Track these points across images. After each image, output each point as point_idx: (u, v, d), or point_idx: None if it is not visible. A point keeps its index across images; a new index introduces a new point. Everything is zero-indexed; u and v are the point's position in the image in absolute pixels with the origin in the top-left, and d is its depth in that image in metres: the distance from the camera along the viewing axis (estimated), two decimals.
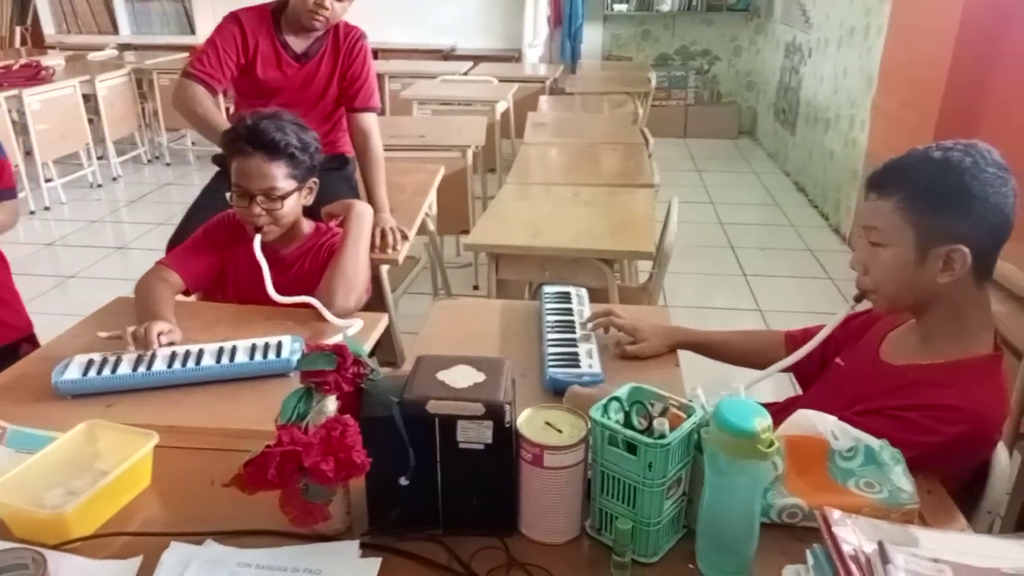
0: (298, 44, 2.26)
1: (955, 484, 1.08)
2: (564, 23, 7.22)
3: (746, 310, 3.67)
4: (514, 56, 7.00)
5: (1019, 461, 1.78)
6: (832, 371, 1.31)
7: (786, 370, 1.34)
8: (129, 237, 4.66)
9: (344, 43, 2.28)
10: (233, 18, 2.24)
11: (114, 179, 5.73)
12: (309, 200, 1.79)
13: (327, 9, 2.14)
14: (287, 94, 2.29)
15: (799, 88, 5.96)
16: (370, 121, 2.34)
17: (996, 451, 1.10)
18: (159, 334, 1.44)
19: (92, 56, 6.46)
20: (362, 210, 1.79)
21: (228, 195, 1.70)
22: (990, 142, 1.10)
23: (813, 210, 5.22)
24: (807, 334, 1.44)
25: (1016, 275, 1.78)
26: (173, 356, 1.40)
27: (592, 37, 7.43)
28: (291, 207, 1.71)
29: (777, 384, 1.44)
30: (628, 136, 3.71)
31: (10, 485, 0.95)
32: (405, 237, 2.29)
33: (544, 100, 4.90)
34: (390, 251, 2.22)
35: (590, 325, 1.56)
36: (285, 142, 1.65)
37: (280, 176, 1.66)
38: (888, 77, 4.18)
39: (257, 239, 1.67)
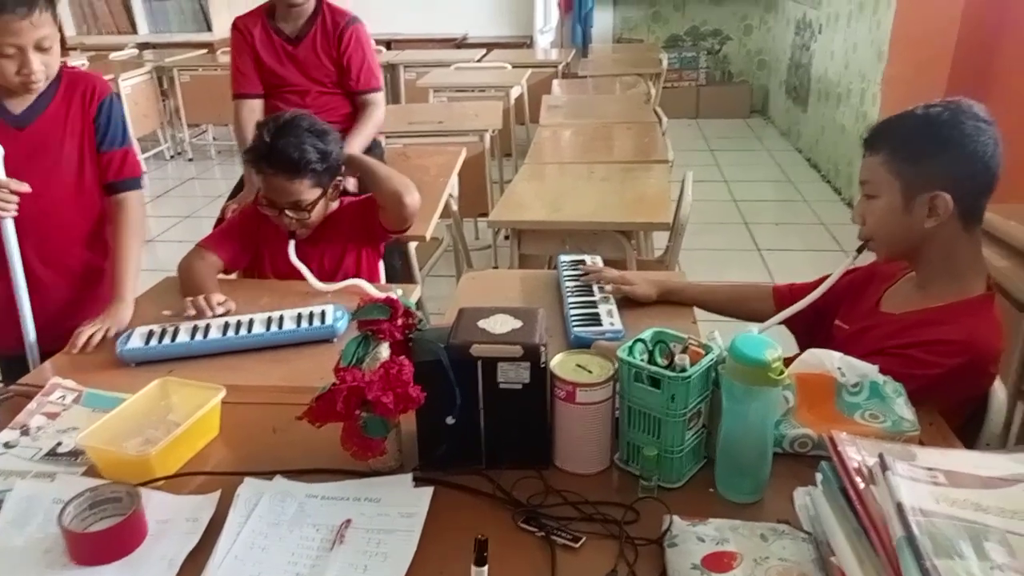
0: (288, 27, 2.44)
1: (956, 419, 1.17)
2: (575, 7, 7.27)
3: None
4: (526, 42, 7.06)
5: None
6: (834, 333, 1.38)
7: (785, 323, 1.41)
8: (156, 231, 4.79)
9: (334, 29, 2.43)
10: (232, 27, 2.49)
11: None
12: (335, 199, 1.85)
13: None
14: (294, 78, 2.44)
15: (810, 64, 5.98)
16: (370, 98, 2.47)
17: (994, 387, 1.19)
18: (218, 303, 1.58)
19: (113, 56, 6.59)
20: (360, 151, 1.86)
21: (257, 201, 1.81)
22: (1000, 109, 1.18)
23: (826, 185, 5.26)
24: (792, 288, 1.51)
25: (1019, 231, 1.86)
26: (226, 325, 1.51)
27: (603, 20, 7.48)
28: (319, 211, 1.78)
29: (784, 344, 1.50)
30: (642, 115, 3.78)
31: (96, 434, 1.07)
32: None
33: (557, 84, 4.97)
34: None
35: (583, 279, 1.66)
36: (304, 160, 1.67)
37: (304, 190, 1.71)
38: (898, 49, 4.21)
39: (292, 246, 1.74)
